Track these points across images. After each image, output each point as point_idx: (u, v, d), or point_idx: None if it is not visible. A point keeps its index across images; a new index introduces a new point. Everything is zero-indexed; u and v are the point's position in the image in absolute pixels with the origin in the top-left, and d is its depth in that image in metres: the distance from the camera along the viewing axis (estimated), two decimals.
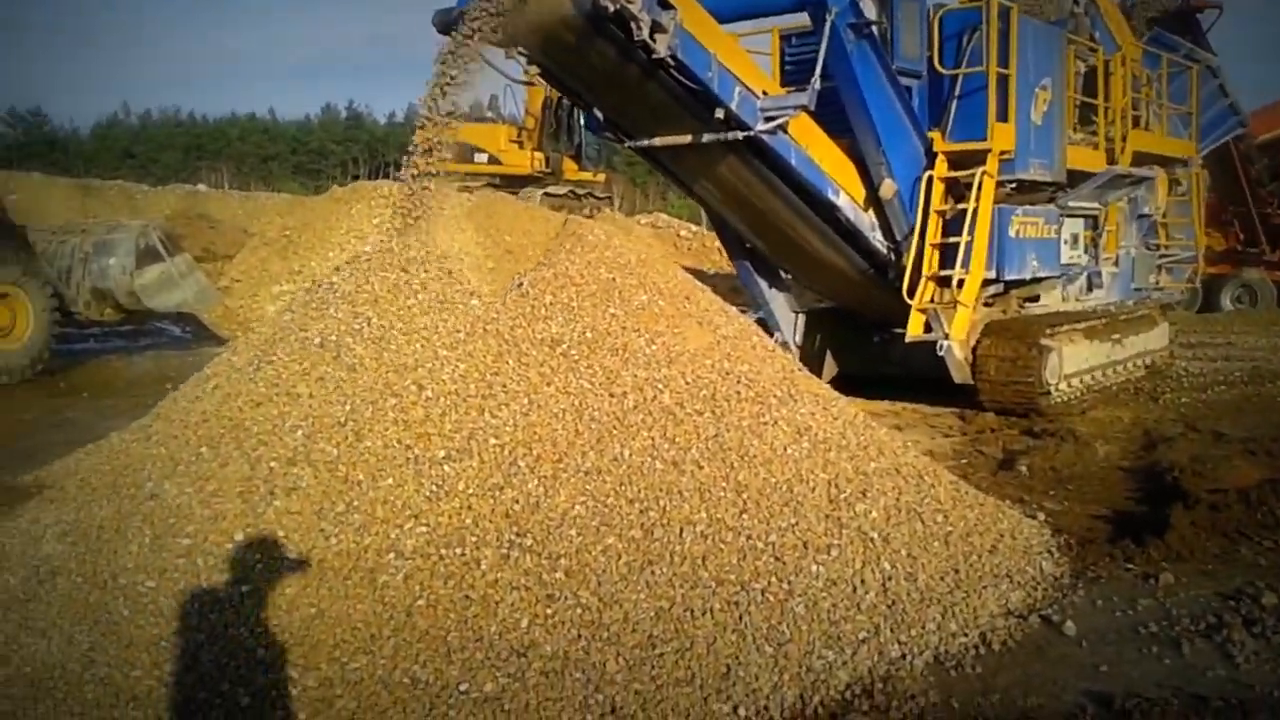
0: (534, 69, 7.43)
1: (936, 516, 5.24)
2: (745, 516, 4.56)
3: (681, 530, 4.41)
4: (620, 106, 8.03)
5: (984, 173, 8.87)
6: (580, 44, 6.97)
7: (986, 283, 9.45)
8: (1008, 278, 9.50)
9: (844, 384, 11.53)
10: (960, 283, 8.83)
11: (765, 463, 4.87)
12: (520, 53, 7.31)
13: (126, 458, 4.96)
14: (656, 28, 6.82)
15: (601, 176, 32.30)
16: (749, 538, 4.48)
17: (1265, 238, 20.05)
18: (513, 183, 30.59)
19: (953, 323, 8.87)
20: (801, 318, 10.92)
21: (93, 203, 24.99)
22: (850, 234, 9.09)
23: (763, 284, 10.41)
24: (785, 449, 5.03)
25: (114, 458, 5.11)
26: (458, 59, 6.27)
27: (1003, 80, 9.12)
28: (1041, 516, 6.63)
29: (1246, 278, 20.39)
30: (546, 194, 30.33)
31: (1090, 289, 12.46)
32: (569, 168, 29.40)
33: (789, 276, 10.41)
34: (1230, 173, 19.70)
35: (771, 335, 10.64)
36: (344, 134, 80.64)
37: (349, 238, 25.04)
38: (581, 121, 25.32)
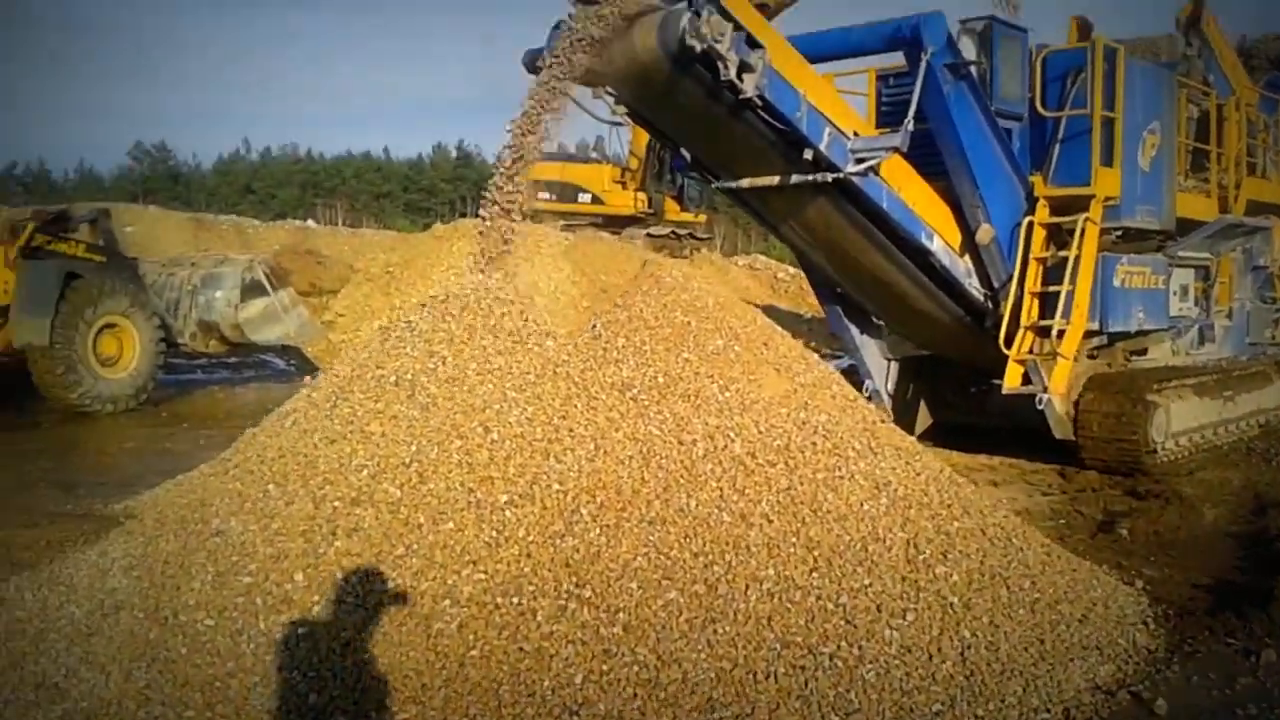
0: (622, 108, 7.40)
1: (1023, 582, 4.96)
2: (815, 575, 4.37)
3: (747, 587, 4.24)
4: (708, 147, 7.94)
5: (1087, 219, 8.53)
6: (667, 84, 6.92)
7: (1089, 334, 9.06)
8: (1111, 329, 9.10)
9: (939, 435, 11.27)
10: (1060, 333, 8.47)
11: (839, 519, 4.67)
12: (608, 92, 7.30)
13: (203, 492, 5.00)
14: (744, 67, 6.74)
15: (703, 217, 32.34)
16: (819, 598, 4.29)
17: None
18: (615, 223, 30.87)
19: (1052, 375, 8.51)
20: (895, 365, 10.64)
21: (206, 236, 25.89)
22: (945, 280, 8.82)
23: (854, 330, 10.17)
24: (862, 505, 4.83)
25: (190, 491, 5.16)
26: (543, 98, 6.25)
27: (1108, 124, 8.79)
28: (1139, 584, 6.27)
29: None
30: (649, 234, 30.49)
31: (1202, 343, 11.90)
32: (671, 208, 29.54)
33: (881, 323, 10.14)
34: None
35: (862, 383, 10.44)
36: (453, 173, 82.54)
37: (449, 274, 25.48)
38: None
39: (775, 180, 7.87)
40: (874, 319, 10.22)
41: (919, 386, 10.83)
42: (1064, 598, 5.10)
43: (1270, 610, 5.60)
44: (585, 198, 29.01)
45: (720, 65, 6.61)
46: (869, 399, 10.41)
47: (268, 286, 16.00)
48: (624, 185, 29.39)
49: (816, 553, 4.48)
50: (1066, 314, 8.47)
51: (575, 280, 25.72)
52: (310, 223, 33.51)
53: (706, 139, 7.78)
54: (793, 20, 8.26)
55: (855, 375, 10.66)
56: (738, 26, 6.65)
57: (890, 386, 10.61)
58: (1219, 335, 12.05)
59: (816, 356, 6.14)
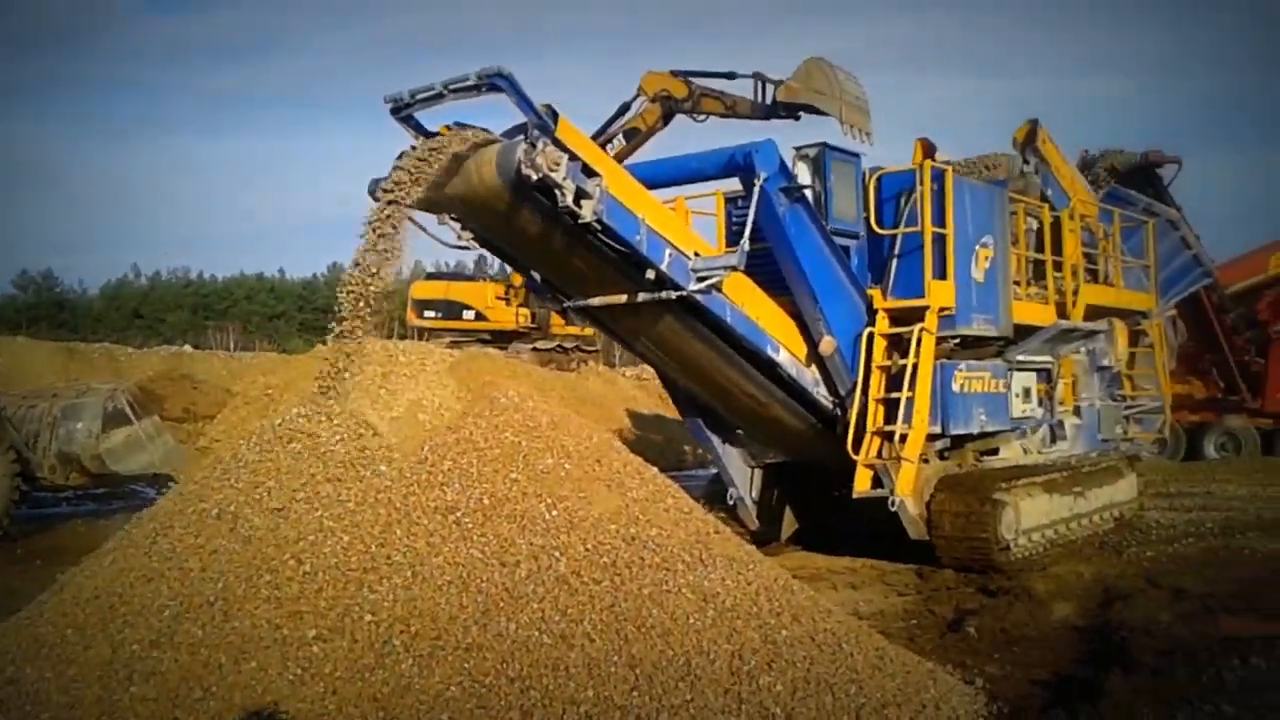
0: (467, 234, 7.56)
1: (850, 687, 5.05)
2: (636, 694, 4.39)
3: (564, 711, 4.23)
4: (555, 269, 8.14)
5: (922, 329, 8.94)
6: (508, 211, 7.11)
7: (932, 438, 9.40)
8: (954, 432, 9.46)
9: (805, 539, 11.44)
10: (903, 438, 8.77)
11: (664, 634, 4.72)
12: (453, 218, 7.46)
13: (14, 638, 4.82)
14: (581, 194, 6.98)
15: (589, 330, 32.75)
16: (638, 717, 4.29)
17: (1245, 385, 20.06)
18: (501, 338, 31.00)
19: (898, 479, 8.77)
20: (759, 472, 10.83)
21: (76, 365, 25.17)
22: (794, 390, 9.10)
23: (716, 439, 10.35)
24: (688, 618, 4.89)
25: (3, 637, 4.96)
26: (383, 224, 6.35)
27: (940, 239, 9.28)
28: (980, 682, 6.41)
29: (1229, 425, 20.30)
30: (535, 349, 30.68)
31: (1054, 441, 12.40)
32: (556, 322, 29.85)
33: (742, 432, 10.35)
34: (1204, 322, 19.89)
35: (727, 491, 10.59)
36: None
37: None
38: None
39: (624, 299, 8.08)
40: (735, 428, 10.43)
41: (783, 492, 11.02)
42: (893, 700, 5.20)
43: (1100, 705, 5.77)
44: (469, 314, 29.17)
45: (558, 193, 6.83)
46: (733, 507, 10.59)
47: (131, 415, 15.55)
48: (508, 301, 29.68)
49: (638, 670, 4.50)
50: (908, 419, 8.78)
51: (460, 396, 25.62)
52: (186, 348, 32.85)
53: (553, 262, 7.98)
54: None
55: (722, 484, 10.84)
56: (573, 156, 6.90)
57: (755, 493, 10.77)
58: (1070, 433, 12.57)
59: (654, 470, 6.25)
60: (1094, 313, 12.92)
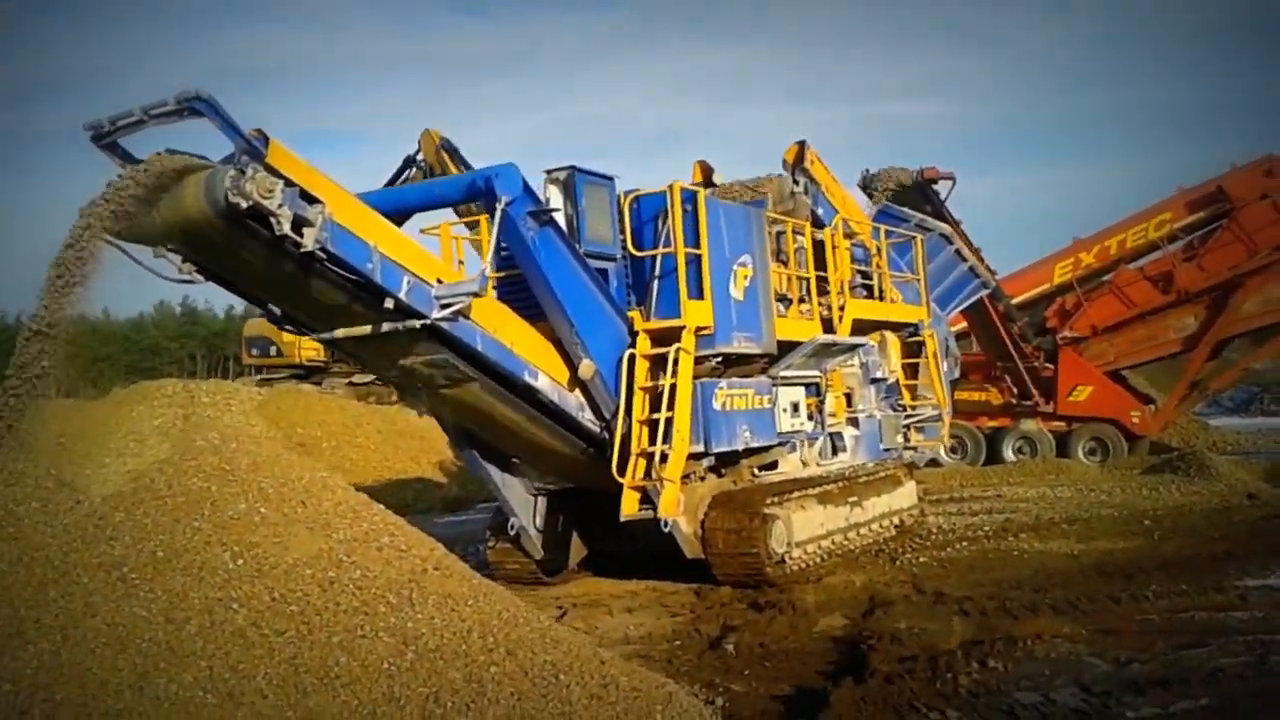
0: (189, 266, 7.15)
1: (557, 719, 4.93)
2: None
3: None
4: (289, 300, 7.80)
5: (679, 348, 8.98)
6: (225, 241, 6.75)
7: (697, 456, 9.45)
8: (716, 450, 9.52)
9: (594, 564, 11.35)
10: (664, 458, 8.78)
11: (350, 683, 4.49)
12: (171, 249, 7.04)
13: None
14: (302, 222, 6.70)
15: None
16: None
17: (1037, 390, 21.06)
18: (314, 373, 29.98)
19: (661, 499, 8.76)
20: (542, 500, 10.66)
21: None
22: (559, 415, 9.00)
23: (493, 470, 10.13)
24: (382, 663, 4.67)
25: None
26: (73, 258, 5.87)
27: (695, 259, 9.37)
28: (720, 701, 6.41)
29: (1024, 429, 21.26)
30: (351, 383, 29.84)
31: (835, 453, 12.70)
32: None
33: (517, 460, 10.19)
34: (992, 331, 20.80)
35: (507, 521, 10.38)
36: (179, 330, 78.58)
37: (128, 441, 23.77)
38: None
39: (368, 329, 7.81)
40: (512, 457, 10.25)
41: (568, 519, 10.89)
42: None
43: (820, 717, 5.83)
44: (273, 350, 28.18)
45: (273, 221, 6.54)
46: (516, 537, 10.39)
47: None
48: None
49: None
50: (668, 439, 8.80)
51: (270, 435, 24.64)
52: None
53: (285, 294, 7.64)
54: None
55: (503, 514, 10.63)
56: (290, 182, 6.62)
57: (539, 522, 10.59)
58: (849, 444, 12.90)
59: (377, 508, 6.02)
60: (868, 327, 13.35)
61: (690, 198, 9.43)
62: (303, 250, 6.76)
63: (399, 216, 8.04)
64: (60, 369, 5.91)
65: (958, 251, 16.78)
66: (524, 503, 10.50)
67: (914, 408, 14.64)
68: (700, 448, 9.31)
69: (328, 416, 25.27)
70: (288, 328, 8.32)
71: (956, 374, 18.18)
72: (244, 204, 6.34)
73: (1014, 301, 21.24)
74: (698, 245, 9.38)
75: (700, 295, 9.36)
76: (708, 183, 13.55)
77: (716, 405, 9.40)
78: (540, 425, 9.09)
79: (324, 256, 6.92)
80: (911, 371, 14.60)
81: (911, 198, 18.27)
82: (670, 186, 9.29)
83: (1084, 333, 21.09)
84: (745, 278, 9.99)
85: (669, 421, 8.81)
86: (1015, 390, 21.39)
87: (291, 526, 5.17)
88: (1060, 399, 20.94)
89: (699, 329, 9.32)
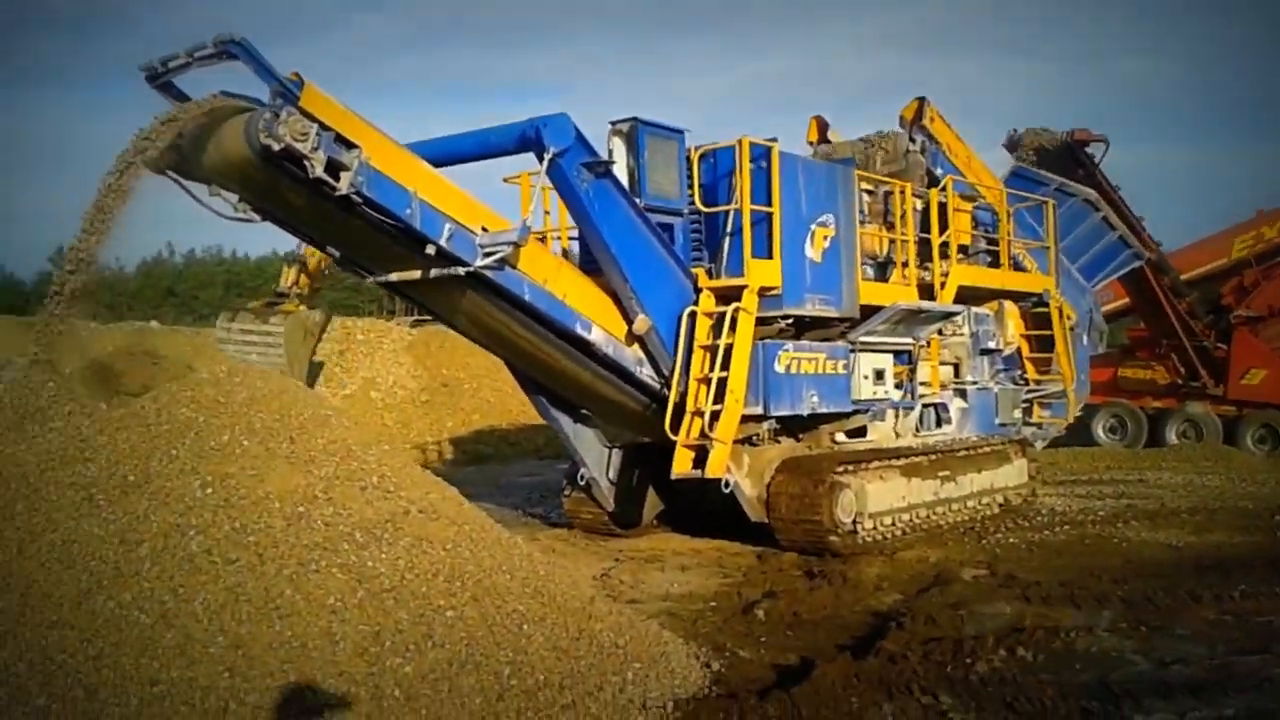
0: (243, 205, 7.44)
1: (504, 669, 4.94)
2: (228, 676, 4.28)
3: (144, 690, 4.13)
4: (341, 243, 8.02)
5: (739, 308, 8.75)
6: (267, 183, 6.98)
7: (757, 418, 9.23)
8: (776, 413, 9.27)
9: (672, 519, 11.31)
10: (715, 417, 8.62)
11: (288, 615, 4.60)
12: (225, 189, 7.33)
13: None
14: (338, 166, 6.85)
15: None
16: (221, 699, 4.19)
17: (1206, 371, 19.66)
18: None
19: (710, 459, 8.61)
20: (617, 453, 10.67)
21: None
22: (617, 369, 8.95)
23: (564, 418, 10.20)
24: (328, 599, 4.77)
25: None
26: (115, 191, 6.17)
27: (765, 218, 9.09)
28: (716, 665, 6.29)
29: (1190, 412, 19.89)
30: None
31: (938, 424, 12.21)
32: None
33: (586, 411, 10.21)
34: (1156, 307, 19.50)
35: (577, 471, 10.44)
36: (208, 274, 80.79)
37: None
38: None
39: (418, 274, 7.96)
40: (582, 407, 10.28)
41: (644, 473, 10.85)
42: (559, 683, 5.09)
43: (792, 693, 5.63)
44: None
45: (307, 164, 6.71)
46: (587, 487, 10.45)
47: None
48: None
49: (242, 653, 4.40)
50: (720, 399, 8.62)
51: (415, 374, 25.62)
52: (153, 323, 32.98)
53: (335, 236, 7.86)
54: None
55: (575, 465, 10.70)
56: (325, 126, 6.76)
57: (613, 474, 10.62)
58: (955, 416, 12.37)
59: (377, 449, 6.11)
60: (983, 295, 12.71)
61: (763, 154, 9.14)
62: (338, 194, 6.91)
63: (445, 165, 8.09)
64: (96, 296, 6.27)
65: (1105, 219, 15.71)
66: (597, 454, 10.53)
67: (1038, 382, 13.89)
68: (759, 409, 9.09)
69: (471, 359, 25.88)
70: (351, 270, 8.55)
71: (1102, 349, 17.16)
72: (276, 146, 6.53)
73: (1188, 276, 19.80)
74: (769, 203, 9.09)
75: (768, 254, 9.09)
76: (823, 139, 13.13)
77: (779, 368, 9.14)
78: (601, 379, 9.07)
79: (359, 200, 7.05)
80: (1039, 344, 13.84)
81: (1063, 161, 17.22)
82: (739, 141, 9.01)
83: (1261, 312, 19.51)
84: (825, 238, 9.64)
85: (721, 381, 8.62)
86: (1183, 370, 20.00)
87: (272, 460, 5.31)
88: (1231, 382, 19.43)
89: (765, 289, 9.05)
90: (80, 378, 6.32)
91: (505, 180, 9.91)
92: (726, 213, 9.22)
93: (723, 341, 8.66)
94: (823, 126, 13.24)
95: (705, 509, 10.63)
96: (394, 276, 8.14)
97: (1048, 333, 13.61)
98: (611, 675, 5.40)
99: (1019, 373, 13.79)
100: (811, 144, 13.10)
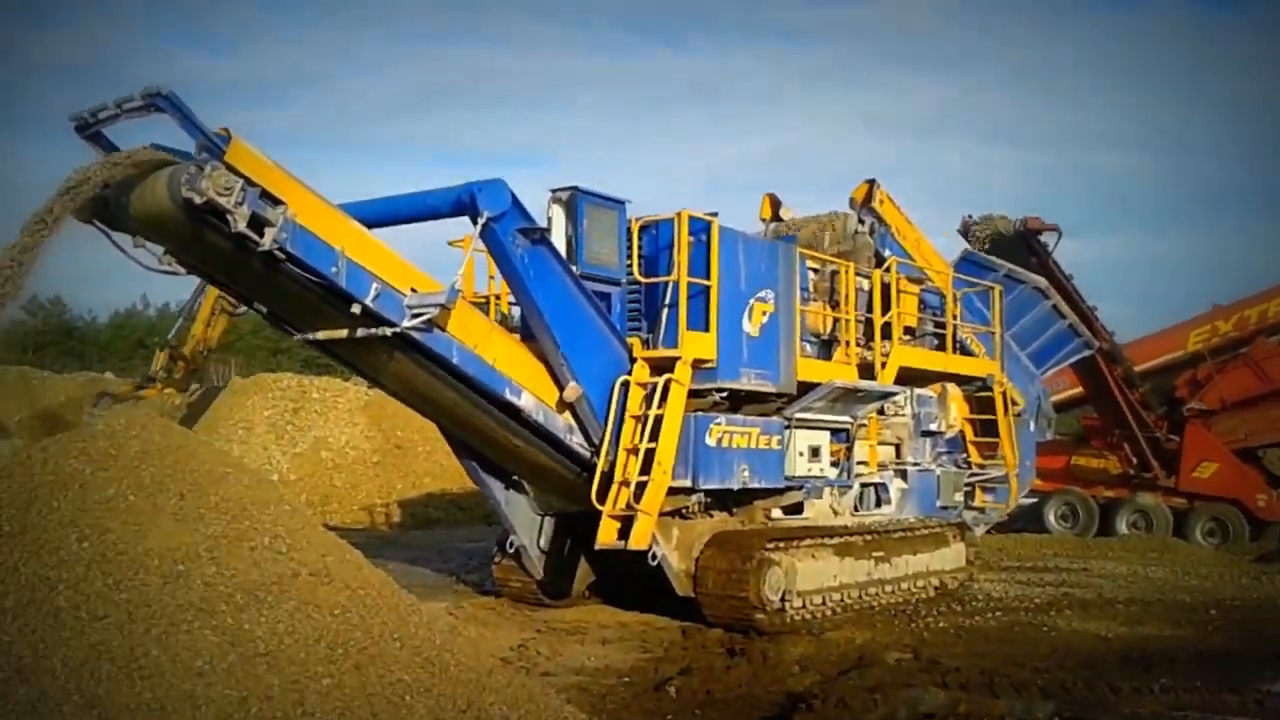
0: (168, 258, 7.40)
1: None
2: None
3: None
4: (267, 299, 7.98)
5: (670, 379, 8.76)
6: (193, 236, 6.95)
7: (686, 491, 9.18)
8: (705, 486, 9.22)
9: (605, 590, 11.16)
10: (640, 489, 8.56)
11: (150, 676, 4.48)
12: (150, 240, 7.29)
13: None
14: (261, 221, 6.84)
15: None
16: None
17: (1158, 462, 19.74)
18: None
19: (633, 531, 8.54)
20: (549, 522, 10.56)
21: None
22: (547, 436, 8.89)
23: (495, 485, 10.10)
24: (197, 661, 4.64)
25: None
26: (35, 233, 6.13)
27: (703, 291, 9.14)
28: None
29: (1141, 503, 19.89)
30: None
31: (879, 504, 12.19)
32: None
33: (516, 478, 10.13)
34: (1108, 396, 19.61)
35: (508, 538, 10.32)
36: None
37: (237, 428, 24.92)
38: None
39: (344, 334, 7.91)
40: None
41: (576, 542, 10.74)
42: None
43: None
44: None
45: (230, 219, 6.70)
46: (515, 555, 10.32)
47: None
48: None
49: (96, 711, 4.26)
50: (648, 470, 8.58)
51: (369, 435, 25.38)
52: (108, 374, 32.69)
53: (260, 292, 7.82)
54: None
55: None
56: (251, 182, 6.77)
57: (544, 543, 10.50)
58: (895, 497, 12.35)
59: (283, 508, 6.01)
60: (929, 376, 12.77)
61: (703, 228, 9.22)
62: (261, 250, 6.89)
63: (382, 226, 8.11)
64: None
65: (1055, 307, 15.86)
66: (529, 522, 10.43)
67: (981, 466, 13.92)
68: (688, 482, 9.04)
69: (426, 422, 25.73)
70: (278, 327, 8.50)
71: (1050, 435, 17.22)
72: (198, 199, 6.52)
73: (1143, 368, 19.97)
74: (707, 276, 9.15)
75: (705, 327, 9.13)
76: (775, 216, 13.29)
77: (710, 440, 9.11)
78: (531, 445, 9.01)
79: (283, 257, 7.03)
80: (983, 428, 13.89)
81: (1016, 248, 17.44)
82: (678, 215, 9.10)
83: (1213, 405, 19.61)
84: (764, 313, 9.69)
85: (649, 452, 8.58)
86: (1135, 460, 20.07)
87: (157, 516, 5.21)
88: (1183, 474, 19.50)
89: (700, 361, 9.07)
90: (27, 426, 6.21)
91: (450, 244, 9.96)
92: (666, 284, 9.27)
93: (652, 412, 8.63)
94: (775, 204, 13.41)
95: (637, 582, 10.50)
96: (321, 335, 8.09)
97: (992, 417, 13.67)
98: None
99: (962, 456, 13.83)
100: (764, 221, 13.25)
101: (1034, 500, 21.05)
